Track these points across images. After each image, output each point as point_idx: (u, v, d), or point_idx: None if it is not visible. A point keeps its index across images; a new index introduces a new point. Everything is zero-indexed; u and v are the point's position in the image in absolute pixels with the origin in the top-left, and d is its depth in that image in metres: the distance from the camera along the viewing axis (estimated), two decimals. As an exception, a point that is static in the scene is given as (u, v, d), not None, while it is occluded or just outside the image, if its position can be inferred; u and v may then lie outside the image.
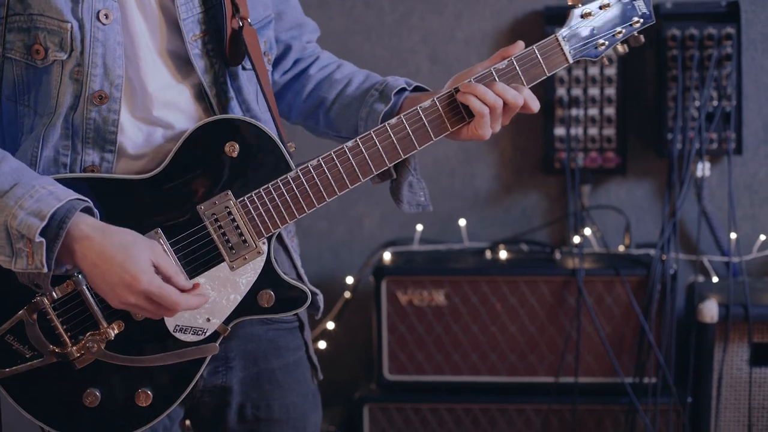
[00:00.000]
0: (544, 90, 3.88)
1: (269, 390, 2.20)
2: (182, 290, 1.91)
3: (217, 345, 2.03)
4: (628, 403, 3.65)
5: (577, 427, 3.71)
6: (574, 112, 3.91)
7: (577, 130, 3.91)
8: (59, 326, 1.95)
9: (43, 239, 1.82)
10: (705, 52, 3.77)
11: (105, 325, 1.96)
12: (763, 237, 3.93)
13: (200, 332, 2.02)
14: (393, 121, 2.03)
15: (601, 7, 2.08)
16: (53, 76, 1.94)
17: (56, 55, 1.92)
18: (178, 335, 2.01)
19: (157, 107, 2.00)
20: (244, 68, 2.08)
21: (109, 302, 1.90)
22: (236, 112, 2.06)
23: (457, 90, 2.03)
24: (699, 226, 3.87)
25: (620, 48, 2.12)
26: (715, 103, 3.79)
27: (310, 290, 2.13)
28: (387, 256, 3.86)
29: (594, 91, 3.90)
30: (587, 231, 3.93)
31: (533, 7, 4.00)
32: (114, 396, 2.02)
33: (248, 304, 2.04)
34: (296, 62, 2.31)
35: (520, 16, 4.03)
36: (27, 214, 1.82)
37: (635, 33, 2.12)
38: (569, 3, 2.08)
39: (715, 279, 3.88)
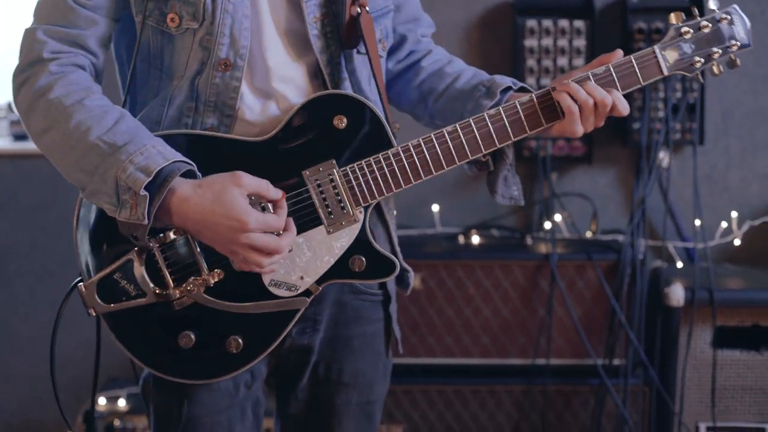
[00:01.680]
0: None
1: (343, 354, 2.30)
2: (274, 201, 2.02)
3: (308, 300, 2.13)
4: (598, 384, 3.77)
5: (548, 407, 3.82)
6: (543, 101, 3.99)
7: (545, 119, 4.00)
8: (164, 268, 2.06)
9: (146, 193, 1.94)
10: (671, 45, 3.89)
11: (206, 272, 2.07)
12: (724, 224, 4.08)
13: (293, 288, 2.12)
14: (492, 111, 2.14)
15: (700, 28, 2.18)
16: (185, 43, 2.10)
17: (189, 24, 2.08)
18: (273, 289, 2.12)
19: (276, 80, 2.13)
20: (358, 52, 2.20)
21: (218, 248, 2.02)
22: (342, 90, 2.18)
23: (554, 88, 2.14)
24: (665, 214, 4.01)
25: (716, 69, 2.20)
26: (678, 95, 3.92)
27: (403, 267, 2.26)
28: (362, 240, 3.91)
29: (562, 82, 3.99)
30: (558, 217, 4.04)
31: (503, -1, 4.10)
32: (207, 340, 2.12)
33: (340, 268, 2.14)
34: (410, 53, 2.43)
35: (491, 7, 4.12)
36: (135, 168, 1.94)
37: (731, 56, 2.20)
38: (672, 21, 2.19)
39: (679, 264, 4.02)
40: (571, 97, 2.11)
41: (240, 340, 2.12)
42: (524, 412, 3.84)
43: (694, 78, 2.19)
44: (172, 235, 2.05)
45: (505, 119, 2.14)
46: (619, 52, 2.17)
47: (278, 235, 2.01)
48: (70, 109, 2.01)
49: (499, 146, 2.16)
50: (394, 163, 2.11)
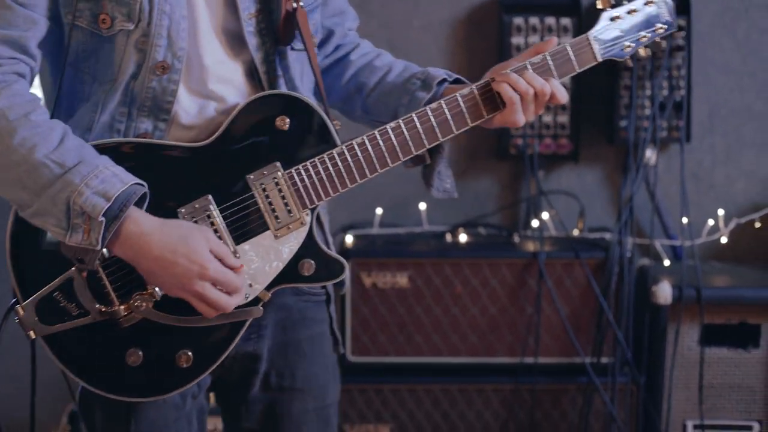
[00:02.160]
0: (501, 77, 3.96)
1: (294, 359, 2.26)
2: (233, 269, 1.99)
3: (261, 308, 2.10)
4: (587, 382, 3.77)
5: (536, 406, 3.82)
6: (529, 99, 3.99)
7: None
8: (108, 285, 2.00)
9: (104, 219, 1.88)
10: (657, 43, 3.90)
11: (153, 286, 2.00)
12: (711, 222, 4.08)
13: (243, 297, 2.07)
14: (434, 105, 2.13)
15: (629, 12, 2.20)
16: (117, 45, 2.00)
17: (123, 25, 1.99)
18: None
19: (212, 81, 2.08)
20: (292, 48, 2.16)
21: (169, 292, 1.97)
22: (283, 90, 2.14)
23: (493, 79, 2.13)
24: (652, 212, 4.01)
25: (642, 51, 2.25)
26: (665, 92, 3.92)
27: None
28: (349, 238, 3.91)
29: (549, 79, 3.99)
30: (545, 215, 4.03)
31: (489, -4, 4.09)
32: (156, 356, 2.07)
33: (290, 272, 2.11)
34: (337, 48, 2.39)
35: (477, 5, 4.10)
36: (93, 193, 1.88)
37: (657, 39, 2.24)
38: (599, 6, 2.19)
39: (666, 262, 4.02)
40: (512, 87, 2.10)
41: (190, 354, 2.08)
42: (512, 410, 3.83)
43: (622, 62, 2.24)
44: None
45: (447, 113, 2.13)
46: (554, 40, 2.18)
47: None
48: (14, 123, 1.91)
49: (442, 140, 2.15)
50: (340, 163, 2.09)
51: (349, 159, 2.09)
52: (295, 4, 2.12)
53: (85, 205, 1.87)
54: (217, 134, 2.05)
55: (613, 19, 2.19)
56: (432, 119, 2.12)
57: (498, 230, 4.07)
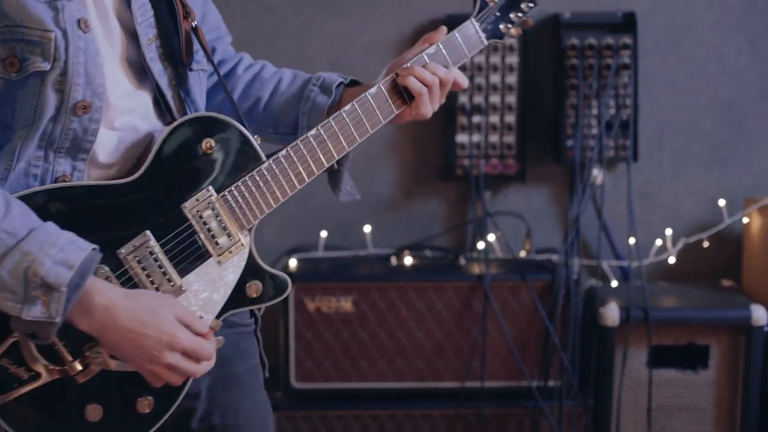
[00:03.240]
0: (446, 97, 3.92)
1: (237, 394, 2.21)
2: (201, 335, 1.94)
3: (220, 338, 2.04)
4: (534, 406, 3.72)
5: (483, 430, 3.76)
6: (475, 119, 3.97)
7: (479, 137, 3.97)
8: (58, 342, 1.89)
9: (66, 289, 1.79)
10: (603, 61, 3.88)
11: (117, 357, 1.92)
12: (659, 241, 4.05)
13: None
14: (347, 107, 2.12)
15: None
16: (30, 89, 1.88)
17: (37, 66, 1.86)
18: None
19: (122, 114, 1.99)
20: (190, 69, 2.12)
21: (136, 366, 1.90)
22: (190, 113, 2.09)
23: (397, 74, 2.16)
24: (600, 232, 3.97)
25: (513, 31, 2.30)
26: (612, 111, 3.89)
27: None
28: (293, 262, 3.86)
29: (495, 99, 3.97)
30: (491, 236, 3.99)
31: (435, 14, 4.04)
32: (117, 407, 1.98)
33: (237, 297, 2.06)
34: (220, 63, 2.35)
35: (423, 23, 4.06)
36: (54, 262, 1.78)
37: (525, 17, 2.31)
38: None
39: (614, 283, 3.98)
40: (418, 79, 2.14)
41: (151, 398, 2.00)
42: (459, 435, 3.79)
43: (501, 43, 2.36)
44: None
45: (360, 113, 2.13)
46: (443, 29, 2.23)
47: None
48: None
49: (360, 141, 2.15)
50: (269, 177, 2.05)
51: (277, 172, 2.06)
52: (194, 23, 2.09)
53: (47, 276, 1.76)
54: (144, 167, 1.97)
55: (488, 2, 2.25)
56: (348, 122, 2.12)
57: (444, 252, 4.03)
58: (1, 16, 1.85)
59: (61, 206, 1.90)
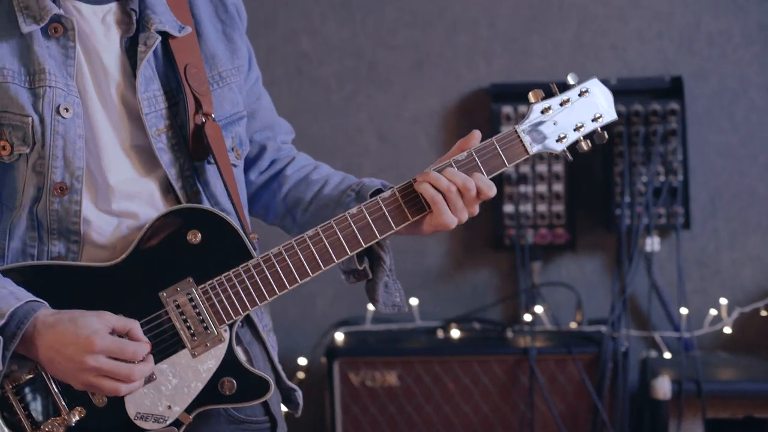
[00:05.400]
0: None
1: None
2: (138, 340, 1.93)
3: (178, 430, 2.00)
4: (584, 483, 3.63)
5: (533, 507, 3.68)
6: (522, 188, 3.92)
7: (526, 207, 3.93)
8: (20, 412, 1.93)
9: (1, 338, 1.83)
10: (650, 128, 3.82)
11: (66, 411, 1.93)
12: (713, 312, 3.94)
13: (161, 420, 1.98)
14: (353, 210, 2.04)
15: (561, 103, 2.10)
16: (19, 171, 1.97)
17: (20, 149, 1.95)
18: (139, 423, 1.98)
19: (120, 200, 2.02)
20: (209, 162, 2.10)
21: (70, 382, 1.90)
22: (209, 205, 2.07)
23: (415, 180, 2.04)
24: (650, 302, 3.88)
25: (584, 144, 2.13)
26: (662, 178, 3.82)
27: (288, 386, 2.14)
28: (339, 336, 3.84)
29: (542, 168, 3.92)
30: (538, 308, 3.92)
31: (479, 84, 4.03)
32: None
33: (210, 392, 2.01)
34: (272, 163, 2.32)
35: (467, 94, 4.05)
36: None
37: (598, 129, 2.14)
38: (531, 100, 2.10)
39: (667, 354, 3.88)
40: (432, 185, 2.01)
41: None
42: None
43: (561, 155, 2.14)
44: (25, 376, 1.92)
45: (368, 217, 2.03)
46: (478, 134, 2.08)
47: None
48: None
49: (365, 246, 2.04)
50: (256, 275, 2.01)
51: (266, 270, 2.01)
52: (204, 119, 2.06)
53: None
54: (128, 252, 1.99)
55: (543, 111, 2.08)
56: (352, 225, 2.03)
57: (492, 325, 3.97)
58: None
59: (39, 281, 1.95)
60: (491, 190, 2.03)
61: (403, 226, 2.06)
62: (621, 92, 3.83)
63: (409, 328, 3.98)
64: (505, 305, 4.09)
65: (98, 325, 1.88)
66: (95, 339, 1.86)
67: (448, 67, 4.09)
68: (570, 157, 2.15)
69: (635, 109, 3.82)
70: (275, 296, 2.03)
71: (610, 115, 2.14)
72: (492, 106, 3.92)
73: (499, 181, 3.92)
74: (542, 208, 3.94)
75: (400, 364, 3.69)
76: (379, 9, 4.09)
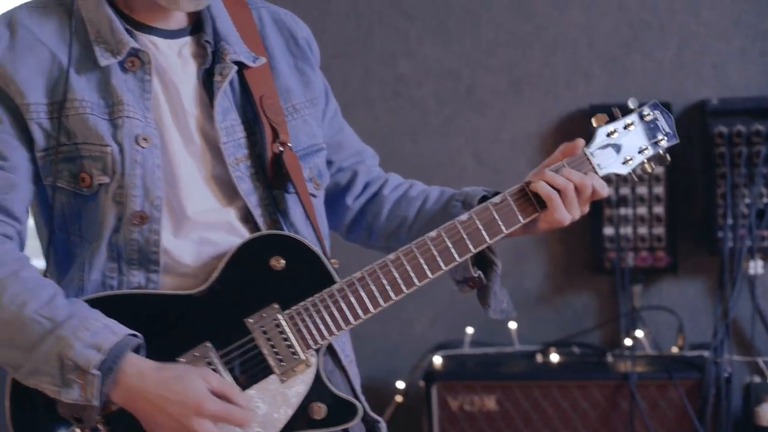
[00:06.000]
0: (592, 189, 3.85)
1: None
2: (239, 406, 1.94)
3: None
4: None
5: None
6: (622, 211, 3.88)
7: (626, 230, 3.88)
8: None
9: (99, 372, 1.84)
10: (753, 149, 3.75)
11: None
12: (820, 336, 3.85)
13: None
14: (463, 217, 2.07)
15: (625, 127, 2.15)
16: (99, 202, 1.98)
17: (100, 179, 1.97)
18: None
19: (199, 229, 2.03)
20: (287, 191, 2.11)
21: None
22: (272, 230, 2.08)
23: (528, 182, 2.09)
24: (753, 326, 3.81)
25: (647, 166, 2.17)
26: (765, 199, 3.75)
27: (372, 418, 2.13)
28: (437, 360, 3.83)
29: (642, 190, 3.88)
30: (639, 333, 3.87)
31: (578, 105, 4.00)
32: None
33: (300, 417, 2.02)
34: (366, 186, 2.35)
35: (566, 115, 4.02)
36: (85, 346, 1.84)
37: (660, 152, 2.18)
38: (594, 124, 2.16)
39: (773, 380, 3.81)
40: (549, 184, 2.06)
41: None
42: None
43: (627, 177, 2.19)
44: (114, 407, 1.93)
45: (477, 223, 2.06)
46: (581, 141, 2.14)
47: None
48: (4, 281, 1.89)
49: (474, 251, 2.07)
50: (340, 300, 2.02)
51: (349, 295, 2.03)
52: (281, 147, 2.08)
53: (77, 359, 1.84)
54: (211, 279, 2.00)
55: (609, 134, 2.15)
56: (462, 231, 2.05)
57: (591, 349, 3.93)
58: (72, 135, 1.97)
59: (125, 311, 1.95)
60: (605, 190, 2.10)
61: (514, 228, 2.09)
62: (723, 113, 3.80)
63: (508, 351, 3.95)
64: (605, 329, 4.04)
65: (204, 389, 1.89)
66: (205, 403, 1.88)
67: (547, 88, 4.07)
68: (636, 178, 2.22)
69: (737, 129, 3.75)
70: (360, 320, 2.05)
71: (672, 137, 2.19)
72: (591, 128, 3.86)
73: (599, 203, 3.88)
74: (642, 230, 3.89)
75: (499, 388, 3.67)
76: (476, 30, 4.08)
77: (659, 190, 3.88)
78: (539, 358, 3.86)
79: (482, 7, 4.07)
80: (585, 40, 4.03)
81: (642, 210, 3.89)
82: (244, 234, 2.06)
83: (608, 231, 3.90)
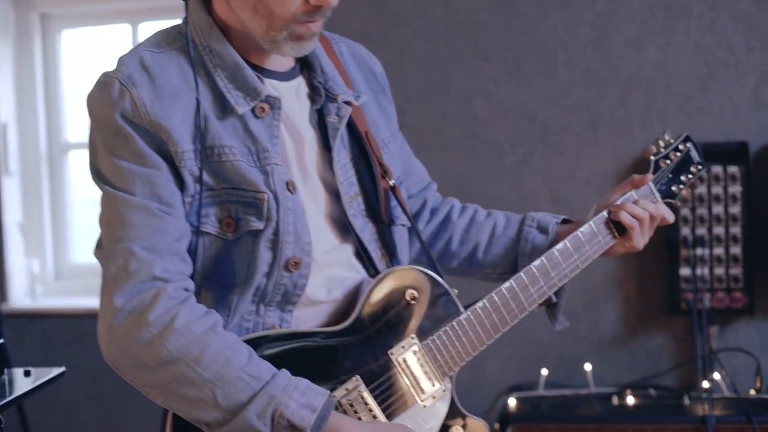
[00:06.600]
0: (668, 229, 3.83)
1: None
2: None
3: None
4: None
5: None
6: (699, 251, 3.85)
7: (703, 270, 3.85)
8: None
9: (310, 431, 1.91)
10: (833, 190, 3.71)
11: None
12: None
13: None
14: (559, 246, 2.24)
15: (672, 158, 2.38)
16: (245, 247, 2.01)
17: (252, 226, 2.00)
18: None
19: (325, 267, 2.10)
20: (393, 224, 2.22)
21: None
22: (392, 265, 2.20)
23: (609, 212, 2.28)
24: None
25: (685, 193, 2.39)
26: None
27: None
28: (512, 401, 3.82)
29: (719, 230, 3.85)
30: (716, 375, 3.83)
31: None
32: None
33: None
34: (433, 212, 2.45)
35: (641, 155, 3.99)
36: (299, 405, 1.90)
37: (693, 179, 2.41)
38: (643, 156, 2.40)
39: None
40: (630, 214, 2.25)
41: None
42: None
43: (674, 204, 2.38)
44: None
45: (573, 253, 2.24)
46: (650, 176, 2.33)
47: None
48: (203, 338, 1.90)
49: (570, 277, 2.25)
50: (468, 328, 2.15)
51: (475, 322, 2.16)
52: (392, 182, 2.19)
53: (293, 418, 1.89)
54: (353, 316, 2.09)
55: (661, 165, 2.37)
56: (561, 261, 2.23)
57: (668, 391, 3.89)
58: (220, 180, 2.00)
59: (277, 350, 2.02)
60: (671, 217, 2.31)
61: (597, 255, 2.29)
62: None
63: (583, 393, 3.94)
64: (681, 371, 4.01)
65: None
66: None
67: (623, 128, 4.06)
68: (679, 204, 2.47)
69: (817, 170, 3.72)
70: (484, 346, 2.19)
71: (702, 165, 2.41)
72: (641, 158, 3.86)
73: (675, 243, 3.86)
74: (719, 271, 3.86)
75: (575, 431, 3.65)
76: (552, 70, 4.09)
77: (736, 230, 3.85)
78: (615, 400, 3.83)
79: (558, 47, 4.08)
80: (661, 79, 4.02)
81: (719, 250, 3.86)
82: (359, 269, 2.17)
83: (684, 272, 3.87)
